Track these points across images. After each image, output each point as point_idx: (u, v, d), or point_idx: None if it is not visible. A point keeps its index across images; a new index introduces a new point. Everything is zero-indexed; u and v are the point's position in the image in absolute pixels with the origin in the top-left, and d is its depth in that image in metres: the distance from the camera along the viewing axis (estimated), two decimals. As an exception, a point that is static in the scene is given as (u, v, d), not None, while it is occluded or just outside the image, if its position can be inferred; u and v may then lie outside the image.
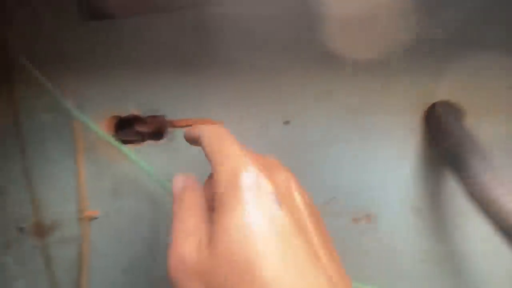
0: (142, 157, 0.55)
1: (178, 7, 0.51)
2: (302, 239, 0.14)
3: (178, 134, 0.56)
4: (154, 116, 0.56)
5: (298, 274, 0.13)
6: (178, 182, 0.25)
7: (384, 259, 0.56)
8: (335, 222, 0.54)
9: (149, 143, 0.57)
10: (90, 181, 0.62)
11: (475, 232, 0.54)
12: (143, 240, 0.62)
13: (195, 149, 0.59)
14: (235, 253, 0.14)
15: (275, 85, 0.51)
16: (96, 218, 0.62)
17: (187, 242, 0.18)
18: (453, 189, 0.53)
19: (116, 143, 0.50)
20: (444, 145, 0.45)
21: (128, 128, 0.60)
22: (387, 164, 0.53)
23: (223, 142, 0.21)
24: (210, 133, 0.23)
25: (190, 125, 0.55)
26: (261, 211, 0.14)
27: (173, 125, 0.56)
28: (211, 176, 0.27)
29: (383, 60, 0.49)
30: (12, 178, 0.65)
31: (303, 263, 0.13)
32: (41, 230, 0.67)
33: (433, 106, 0.51)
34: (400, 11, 0.47)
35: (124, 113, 0.57)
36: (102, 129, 0.52)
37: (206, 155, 0.22)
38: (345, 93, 0.50)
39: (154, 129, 0.58)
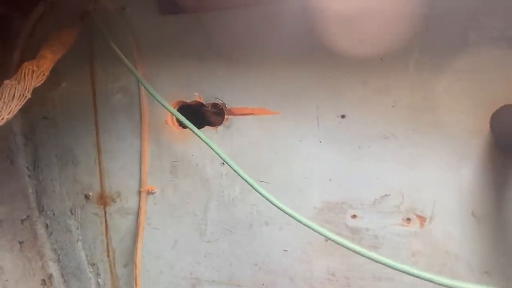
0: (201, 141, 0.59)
1: (248, 4, 0.55)
2: None
3: (235, 122, 0.60)
4: (215, 104, 0.60)
5: None
6: None
7: (437, 267, 0.50)
8: (384, 221, 0.52)
9: (207, 128, 0.62)
10: (152, 159, 0.68)
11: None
12: (192, 217, 0.66)
13: (249, 136, 0.63)
14: None
15: (332, 80, 0.52)
16: (153, 193, 0.68)
17: None
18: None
19: (188, 123, 0.55)
20: None
21: (190, 113, 0.65)
22: (447, 164, 0.48)
23: None
24: None
25: (247, 114, 0.59)
26: None
27: (231, 112, 0.60)
28: None
29: (449, 57, 0.48)
30: (85, 150, 0.73)
31: None
32: (104, 199, 0.75)
33: (504, 107, 0.46)
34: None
35: (188, 99, 0.62)
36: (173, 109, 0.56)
37: None
38: (406, 90, 0.49)
39: (219, 121, 0.63)
